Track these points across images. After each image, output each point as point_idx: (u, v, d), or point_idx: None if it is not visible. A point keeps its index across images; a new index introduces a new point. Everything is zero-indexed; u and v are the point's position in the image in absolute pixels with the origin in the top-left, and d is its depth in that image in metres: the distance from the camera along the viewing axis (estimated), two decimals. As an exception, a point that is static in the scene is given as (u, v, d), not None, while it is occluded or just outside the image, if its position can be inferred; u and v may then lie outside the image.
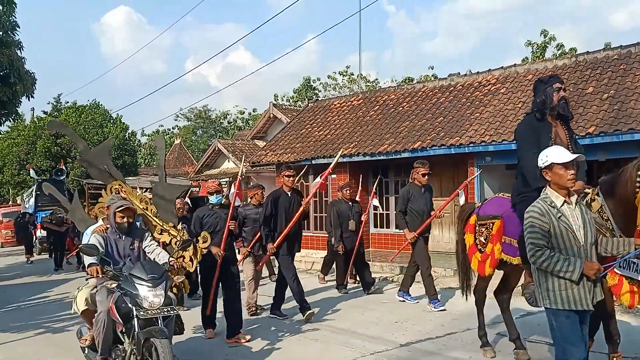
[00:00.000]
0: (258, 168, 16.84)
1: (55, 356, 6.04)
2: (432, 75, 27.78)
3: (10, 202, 26.12)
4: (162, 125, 49.06)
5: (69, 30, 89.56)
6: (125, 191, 5.60)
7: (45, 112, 30.70)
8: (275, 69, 76.01)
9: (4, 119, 10.52)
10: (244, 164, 7.29)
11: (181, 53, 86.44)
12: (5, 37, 10.03)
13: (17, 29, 10.50)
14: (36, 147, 25.98)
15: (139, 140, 40.10)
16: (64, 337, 6.88)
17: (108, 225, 4.91)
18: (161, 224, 5.56)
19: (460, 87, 13.48)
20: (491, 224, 4.91)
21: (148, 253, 4.88)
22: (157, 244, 5.12)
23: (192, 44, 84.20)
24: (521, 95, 11.61)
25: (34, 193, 18.91)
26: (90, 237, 4.88)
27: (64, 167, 21.05)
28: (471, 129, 11.20)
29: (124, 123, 29.99)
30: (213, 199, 6.52)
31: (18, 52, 10.42)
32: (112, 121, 29.42)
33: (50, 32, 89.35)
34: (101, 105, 30.54)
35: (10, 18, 10.24)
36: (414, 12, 73.00)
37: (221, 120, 45.64)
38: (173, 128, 47.61)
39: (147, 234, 5.08)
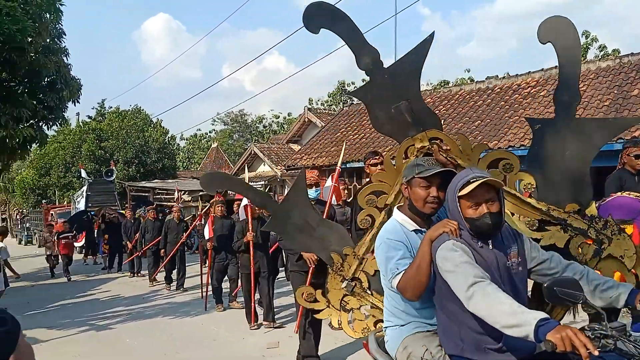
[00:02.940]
0: (293, 171, 16.96)
1: (98, 354, 6.22)
2: (469, 78, 27.36)
3: (64, 203, 26.85)
4: (199, 130, 50.04)
5: (111, 37, 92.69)
6: (448, 148, 2.92)
7: (89, 117, 31.82)
8: (310, 73, 76.46)
9: (51, 123, 10.91)
10: (344, 147, 5.71)
11: (217, 59, 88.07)
12: (52, 44, 10.41)
13: (64, 36, 10.92)
14: (81, 150, 26.99)
15: (178, 144, 41.15)
16: (108, 334, 7.12)
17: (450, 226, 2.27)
18: (545, 208, 2.84)
19: (499, 89, 13.24)
20: None
21: (546, 276, 2.31)
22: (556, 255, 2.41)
23: (227, 50, 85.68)
24: (562, 98, 11.30)
25: (84, 193, 18.96)
26: (442, 251, 2.20)
27: (114, 168, 21.35)
28: (510, 132, 10.99)
29: (163, 127, 30.83)
30: (311, 193, 5.07)
31: (64, 58, 10.79)
32: (152, 125, 30.26)
33: (93, 39, 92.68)
34: (142, 110, 31.47)
35: (57, 26, 10.64)
36: (449, 16, 72.21)
37: (257, 125, 46.22)
38: (210, 132, 48.58)
39: (524, 237, 2.39)
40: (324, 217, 4.32)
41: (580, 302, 2.11)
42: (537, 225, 2.85)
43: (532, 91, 12.31)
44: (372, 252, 2.98)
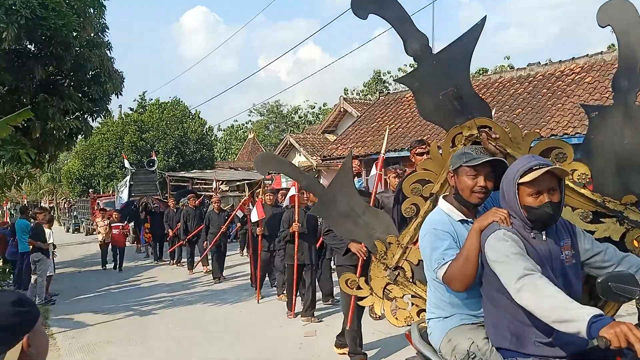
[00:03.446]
0: (329, 162, 16.99)
1: (143, 338, 6.43)
2: (508, 66, 26.67)
3: (109, 192, 27.61)
4: (236, 120, 50.72)
5: (150, 31, 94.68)
6: (498, 136, 2.83)
7: (131, 109, 32.70)
8: (345, 63, 76.16)
9: (95, 115, 11.26)
10: (387, 134, 5.15)
11: (253, 50, 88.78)
12: (96, 38, 10.73)
13: (107, 30, 11.24)
14: (123, 141, 27.79)
15: (215, 135, 41.82)
16: (151, 319, 7.36)
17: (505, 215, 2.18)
18: (600, 200, 2.73)
19: (541, 77, 12.85)
20: None
21: (600, 268, 2.22)
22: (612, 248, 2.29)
23: (263, 41, 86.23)
24: (609, 84, 10.86)
25: (127, 183, 19.31)
26: (492, 240, 2.13)
27: (155, 158, 21.73)
28: (552, 120, 10.68)
29: (202, 118, 31.36)
30: None
31: (107, 52, 11.10)
32: (191, 117, 30.82)
33: (134, 32, 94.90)
34: (181, 101, 32.08)
35: (101, 20, 10.96)
36: (488, 2, 70.35)
37: (292, 115, 46.43)
38: (247, 123, 49.12)
39: (578, 229, 2.31)
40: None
41: (637, 298, 2.02)
42: (591, 217, 2.73)
43: (576, 78, 11.89)
44: (416, 241, 2.93)
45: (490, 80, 14.27)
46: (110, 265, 13.13)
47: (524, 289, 1.94)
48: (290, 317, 6.78)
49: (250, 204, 9.16)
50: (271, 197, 8.09)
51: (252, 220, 7.86)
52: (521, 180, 2.10)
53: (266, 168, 3.74)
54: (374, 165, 5.63)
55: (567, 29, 63.72)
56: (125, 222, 14.13)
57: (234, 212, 10.64)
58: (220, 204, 10.72)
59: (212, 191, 17.38)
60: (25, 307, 1.27)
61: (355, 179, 4.79)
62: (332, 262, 7.15)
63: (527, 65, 13.75)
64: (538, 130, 10.54)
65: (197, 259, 11.37)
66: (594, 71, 11.75)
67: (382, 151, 5.11)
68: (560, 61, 13.03)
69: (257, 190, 9.00)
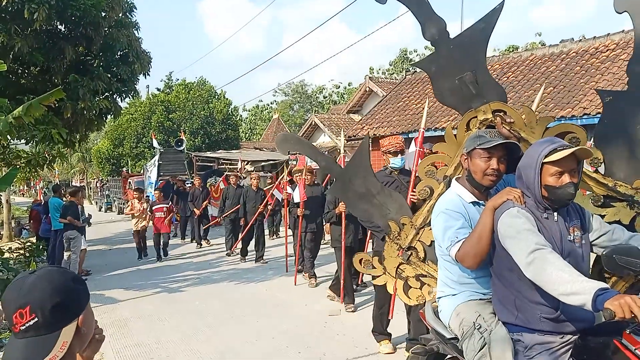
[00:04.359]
0: (354, 142, 16.91)
1: (172, 314, 6.60)
2: (540, 43, 25.89)
3: (137, 172, 27.88)
4: (261, 100, 50.71)
5: (175, 10, 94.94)
6: (512, 121, 2.88)
7: (158, 89, 32.97)
8: (371, 41, 75.14)
9: (124, 95, 11.40)
10: (427, 105, 4.98)
11: (278, 29, 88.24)
12: (124, 18, 10.81)
13: (134, 10, 11.31)
14: (151, 121, 28.14)
15: (241, 115, 41.98)
16: (179, 296, 7.53)
17: (518, 195, 2.23)
18: (611, 184, 2.76)
19: (574, 54, 12.44)
20: None
21: (608, 248, 2.26)
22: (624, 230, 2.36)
23: (288, 19, 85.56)
24: (646, 62, 10.47)
25: (156, 162, 19.33)
26: (506, 217, 2.18)
27: (183, 138, 21.89)
28: (585, 99, 10.36)
29: (227, 99, 31.46)
30: (396, 162, 4.66)
31: (135, 32, 11.18)
32: (216, 97, 30.96)
33: (160, 12, 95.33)
34: (207, 81, 32.19)
35: (128, 0, 11.03)
36: (521, -25, 68.09)
37: (317, 95, 46.18)
38: (271, 103, 49.11)
39: (586, 211, 2.35)
40: (411, 188, 4.22)
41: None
42: (602, 201, 2.78)
43: (611, 55, 11.47)
44: (429, 223, 2.98)
45: (521, 58, 13.89)
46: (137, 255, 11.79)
47: (535, 262, 2.00)
48: (350, 310, 6.19)
49: (287, 187, 8.99)
50: (310, 176, 7.79)
51: (295, 202, 7.64)
52: (545, 160, 2.14)
53: (286, 148, 3.80)
54: (413, 141, 5.47)
55: (602, 4, 61.33)
56: (170, 201, 12.62)
57: (271, 191, 10.47)
58: (258, 182, 10.32)
59: (237, 171, 17.49)
60: (82, 285, 1.30)
61: (399, 157, 4.71)
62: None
63: (560, 42, 13.31)
64: (570, 109, 10.25)
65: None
66: (630, 48, 11.29)
67: (422, 126, 4.85)
68: (594, 37, 12.56)
69: (297, 173, 8.84)
